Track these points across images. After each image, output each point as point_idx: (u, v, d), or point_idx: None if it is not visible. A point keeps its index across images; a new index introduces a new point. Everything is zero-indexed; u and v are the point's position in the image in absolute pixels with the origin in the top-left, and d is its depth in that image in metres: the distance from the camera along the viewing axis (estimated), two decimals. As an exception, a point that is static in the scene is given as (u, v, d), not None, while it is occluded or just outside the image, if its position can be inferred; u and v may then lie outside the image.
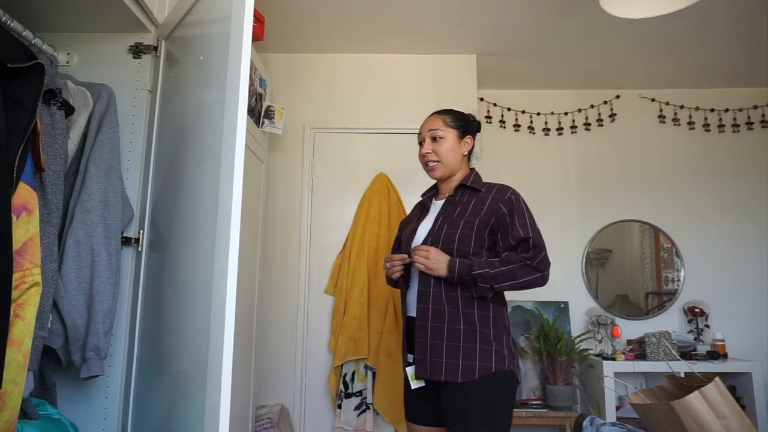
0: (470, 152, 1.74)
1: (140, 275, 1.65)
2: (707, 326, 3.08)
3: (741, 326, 3.11)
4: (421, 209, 1.79)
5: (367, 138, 2.94)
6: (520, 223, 1.55)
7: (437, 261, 1.53)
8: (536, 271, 1.50)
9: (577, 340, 2.94)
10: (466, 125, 1.73)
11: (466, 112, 1.77)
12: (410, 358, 1.61)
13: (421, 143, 1.72)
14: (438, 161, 1.67)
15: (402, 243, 1.75)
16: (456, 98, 2.96)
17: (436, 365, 1.51)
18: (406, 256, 1.62)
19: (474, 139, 1.74)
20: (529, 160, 3.39)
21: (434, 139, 1.68)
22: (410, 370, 1.58)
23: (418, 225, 1.71)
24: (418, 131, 1.76)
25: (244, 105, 1.14)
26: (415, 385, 1.57)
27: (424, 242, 1.62)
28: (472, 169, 1.74)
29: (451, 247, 1.55)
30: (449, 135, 1.68)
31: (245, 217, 2.08)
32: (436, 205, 1.73)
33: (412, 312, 1.61)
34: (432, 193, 1.79)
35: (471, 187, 1.67)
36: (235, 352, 1.05)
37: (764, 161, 3.30)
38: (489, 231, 1.57)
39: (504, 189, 1.64)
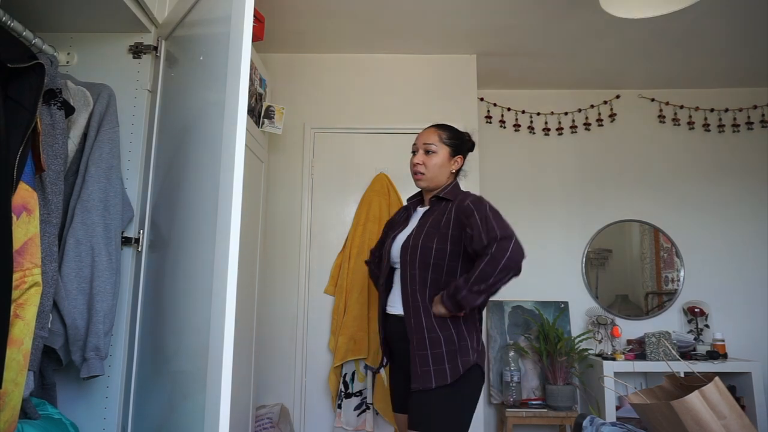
0: (459, 170, 1.83)
1: (140, 275, 1.65)
2: (707, 326, 3.08)
3: (741, 326, 3.11)
4: (406, 216, 1.88)
5: (367, 138, 2.94)
6: (480, 229, 1.58)
7: (438, 308, 1.63)
8: (498, 259, 1.51)
9: (577, 340, 2.94)
10: (460, 144, 1.80)
11: (463, 130, 1.86)
12: (385, 360, 1.81)
13: (414, 152, 1.80)
14: (425, 174, 1.76)
15: (385, 248, 1.83)
16: (456, 98, 2.96)
17: (425, 374, 1.59)
18: None
19: (465, 158, 1.83)
20: (529, 160, 3.39)
21: (427, 152, 1.76)
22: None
23: (399, 233, 1.81)
24: (416, 136, 1.84)
25: (244, 105, 1.14)
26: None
27: (403, 250, 1.71)
28: (446, 186, 1.80)
29: (428, 260, 1.64)
30: (442, 151, 1.76)
31: (245, 217, 2.08)
32: (418, 214, 1.83)
33: (393, 310, 1.75)
34: (417, 199, 1.89)
35: (443, 198, 1.76)
36: (235, 352, 1.05)
37: (764, 161, 3.30)
38: (461, 242, 1.65)
39: (464, 197, 1.71)
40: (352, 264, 2.71)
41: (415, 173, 1.79)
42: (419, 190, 1.89)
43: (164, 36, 1.76)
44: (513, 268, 1.52)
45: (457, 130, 1.83)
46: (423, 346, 1.59)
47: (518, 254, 1.52)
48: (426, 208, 1.82)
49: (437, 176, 1.77)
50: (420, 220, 1.77)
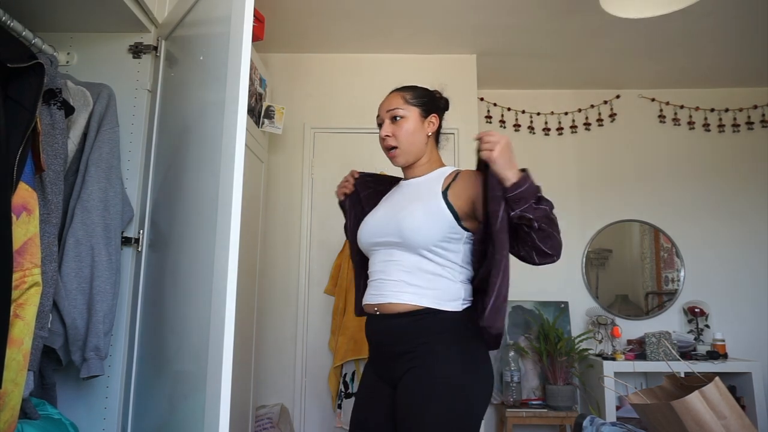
0: (437, 133, 1.53)
1: (140, 275, 1.65)
2: (707, 326, 3.08)
3: (741, 326, 3.11)
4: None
5: (367, 138, 2.93)
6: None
7: (509, 157, 1.28)
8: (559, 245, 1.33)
9: (577, 340, 2.94)
10: (431, 102, 1.50)
11: (431, 88, 1.55)
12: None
13: (380, 125, 1.49)
14: (397, 146, 1.45)
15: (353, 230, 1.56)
16: (456, 98, 2.93)
17: None
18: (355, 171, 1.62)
19: (441, 118, 1.52)
20: (529, 160, 3.36)
21: (394, 119, 1.45)
22: None
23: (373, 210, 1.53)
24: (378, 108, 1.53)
25: (244, 105, 1.14)
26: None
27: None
28: (456, 170, 1.47)
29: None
30: (411, 113, 1.45)
31: (245, 218, 2.08)
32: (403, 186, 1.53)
33: (372, 299, 1.42)
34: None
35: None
36: (235, 352, 1.05)
37: (764, 161, 3.30)
38: None
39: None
40: (351, 264, 2.70)
41: (387, 149, 1.47)
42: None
43: (164, 36, 1.76)
44: (554, 252, 1.34)
45: (424, 87, 1.53)
46: None
47: None
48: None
49: (412, 146, 1.45)
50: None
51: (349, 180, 1.62)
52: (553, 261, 1.33)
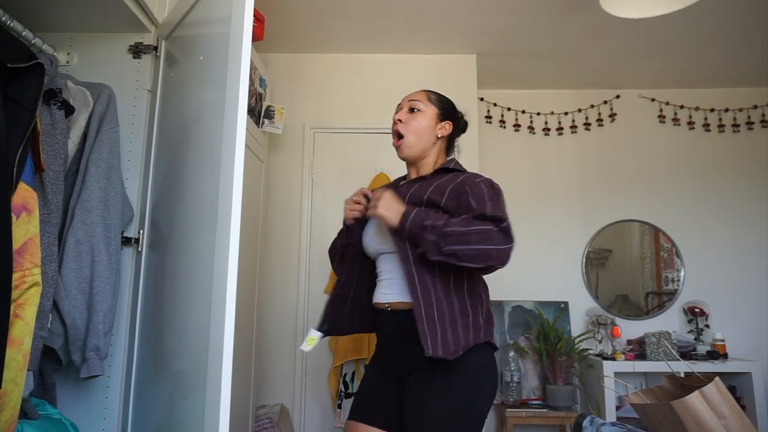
0: (449, 139, 1.56)
1: (140, 275, 1.65)
2: (707, 326, 3.08)
3: (741, 326, 3.11)
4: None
5: (367, 138, 2.94)
6: (477, 199, 1.32)
7: (390, 207, 1.33)
8: (493, 241, 1.23)
9: (577, 340, 2.94)
10: (451, 110, 1.56)
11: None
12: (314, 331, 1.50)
13: (397, 113, 1.54)
14: (405, 136, 1.48)
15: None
16: (456, 98, 2.94)
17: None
18: (366, 189, 1.53)
19: (454, 127, 1.55)
20: (529, 160, 3.38)
21: (411, 110, 1.52)
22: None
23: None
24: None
25: (244, 105, 1.14)
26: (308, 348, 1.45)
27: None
28: (452, 159, 1.55)
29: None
30: (428, 111, 1.51)
31: (245, 218, 2.08)
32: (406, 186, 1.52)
33: (383, 298, 1.43)
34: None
35: (452, 169, 1.49)
36: (235, 352, 1.05)
37: (764, 161, 3.30)
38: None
39: (476, 174, 1.45)
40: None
41: (395, 135, 1.51)
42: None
43: (164, 36, 1.76)
44: (487, 261, 1.24)
45: (450, 99, 1.60)
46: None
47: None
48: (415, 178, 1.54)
49: (420, 140, 1.48)
50: (413, 188, 1.49)
51: (361, 202, 1.51)
52: (496, 268, 1.27)
